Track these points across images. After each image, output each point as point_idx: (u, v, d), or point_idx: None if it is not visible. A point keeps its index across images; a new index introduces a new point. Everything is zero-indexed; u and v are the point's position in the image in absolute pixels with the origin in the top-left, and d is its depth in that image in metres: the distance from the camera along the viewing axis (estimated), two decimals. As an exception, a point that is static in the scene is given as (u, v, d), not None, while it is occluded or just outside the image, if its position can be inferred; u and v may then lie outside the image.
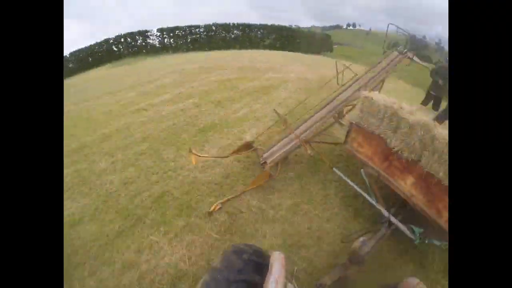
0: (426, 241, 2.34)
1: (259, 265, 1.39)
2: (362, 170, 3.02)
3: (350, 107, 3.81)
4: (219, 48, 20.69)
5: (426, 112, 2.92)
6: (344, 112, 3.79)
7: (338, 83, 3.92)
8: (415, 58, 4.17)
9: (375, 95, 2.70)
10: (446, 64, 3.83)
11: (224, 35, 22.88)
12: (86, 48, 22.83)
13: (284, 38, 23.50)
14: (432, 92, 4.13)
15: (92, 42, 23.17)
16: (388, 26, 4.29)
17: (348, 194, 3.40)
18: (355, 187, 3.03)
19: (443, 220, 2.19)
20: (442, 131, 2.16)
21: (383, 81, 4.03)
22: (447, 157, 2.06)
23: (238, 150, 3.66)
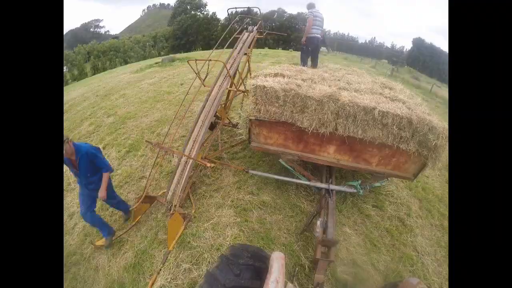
0: (368, 188, 2.58)
1: (264, 257, 1.42)
2: (280, 160, 2.78)
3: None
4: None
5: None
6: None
7: (203, 84, 3.35)
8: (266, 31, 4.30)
9: (265, 82, 2.29)
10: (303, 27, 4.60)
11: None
12: None
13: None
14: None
15: None
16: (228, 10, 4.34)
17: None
18: (281, 177, 2.84)
19: (373, 165, 2.44)
20: (346, 94, 2.17)
21: (248, 63, 3.82)
22: (361, 117, 2.13)
23: (138, 213, 2.91)
